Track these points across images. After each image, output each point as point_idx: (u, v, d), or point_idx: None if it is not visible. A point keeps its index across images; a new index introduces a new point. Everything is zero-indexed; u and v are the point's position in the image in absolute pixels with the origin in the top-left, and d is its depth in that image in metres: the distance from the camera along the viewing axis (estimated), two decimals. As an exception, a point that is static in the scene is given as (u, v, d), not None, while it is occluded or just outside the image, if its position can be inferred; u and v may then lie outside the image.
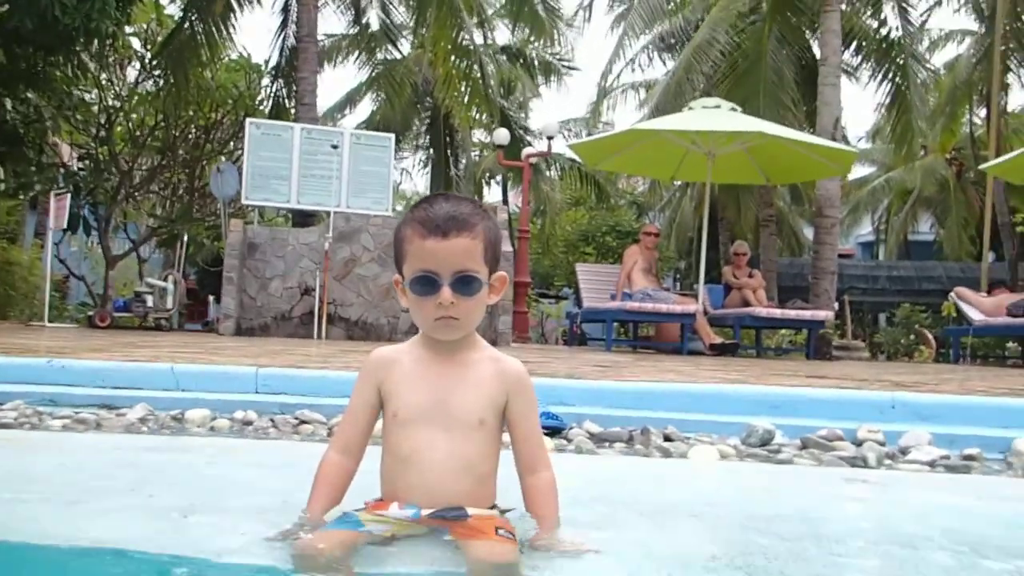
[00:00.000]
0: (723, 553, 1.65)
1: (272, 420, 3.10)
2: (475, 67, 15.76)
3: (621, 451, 2.94)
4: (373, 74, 20.93)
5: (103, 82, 15.48)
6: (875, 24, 14.60)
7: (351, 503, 1.61)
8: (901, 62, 14.13)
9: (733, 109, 10.51)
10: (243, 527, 1.64)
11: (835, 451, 2.86)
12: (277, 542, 1.49)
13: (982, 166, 13.30)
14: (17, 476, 2.12)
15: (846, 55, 14.67)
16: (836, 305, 12.12)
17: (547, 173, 23.80)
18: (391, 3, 18.75)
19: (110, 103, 15.56)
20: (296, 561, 1.39)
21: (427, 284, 1.56)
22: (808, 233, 22.35)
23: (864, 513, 2.18)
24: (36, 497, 1.87)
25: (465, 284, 1.56)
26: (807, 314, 10.22)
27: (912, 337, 14.03)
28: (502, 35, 24.32)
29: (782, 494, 2.38)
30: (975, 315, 10.65)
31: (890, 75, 14.30)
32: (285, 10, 16.28)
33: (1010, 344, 12.64)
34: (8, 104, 13.46)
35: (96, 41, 12.04)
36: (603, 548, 1.64)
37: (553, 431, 3.07)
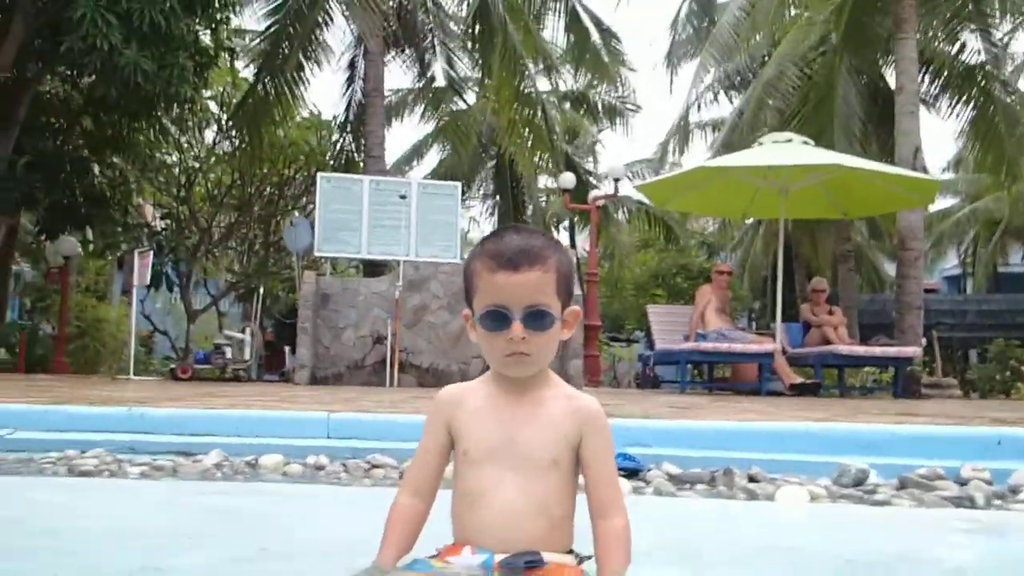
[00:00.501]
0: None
1: (344, 465, 3.07)
2: (538, 113, 15.90)
3: (703, 493, 2.80)
4: (439, 125, 21.31)
5: (183, 144, 16.14)
6: (953, 50, 14.17)
7: (424, 548, 1.54)
8: (985, 87, 13.64)
9: (805, 142, 10.27)
10: (314, 572, 1.60)
11: (937, 491, 2.66)
12: None
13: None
14: (91, 524, 2.12)
15: (924, 84, 14.26)
16: (924, 341, 11.61)
17: (615, 216, 23.71)
18: (455, 56, 19.14)
19: (190, 164, 16.20)
20: None
21: (497, 319, 1.50)
22: (889, 268, 21.64)
23: (973, 557, 2.01)
24: (113, 545, 1.86)
25: (537, 319, 1.50)
26: (893, 350, 9.82)
27: (1008, 373, 13.32)
28: (565, 81, 24.56)
29: (881, 537, 2.22)
30: (1074, 349, 10.07)
31: (973, 102, 13.81)
32: (352, 66, 16.76)
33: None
34: (96, 169, 14.18)
35: (176, 105, 12.59)
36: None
37: (630, 473, 2.95)
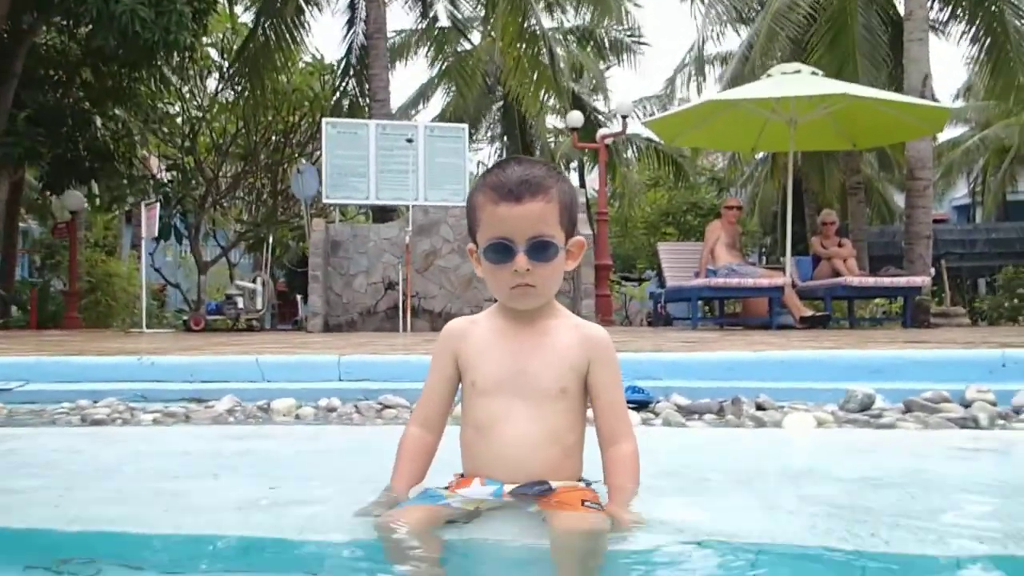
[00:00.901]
0: (827, 515, 1.55)
1: (356, 406, 3.11)
2: (543, 51, 15.65)
3: (711, 422, 2.84)
4: (443, 67, 21.02)
5: (185, 94, 16.01)
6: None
7: (435, 480, 1.57)
8: (995, 10, 13.31)
9: (814, 73, 10.09)
10: (327, 506, 1.63)
11: (942, 413, 2.69)
12: (360, 518, 1.46)
13: (1087, 115, 12.49)
14: (107, 468, 2.17)
15: (933, 10, 13.89)
16: (932, 271, 11.56)
17: (624, 154, 23.50)
18: (458, -5, 18.77)
19: (193, 114, 16.08)
20: (380, 535, 1.37)
21: (501, 252, 1.50)
22: (899, 200, 21.45)
23: (978, 474, 2.04)
24: (124, 486, 1.90)
25: (541, 250, 1.50)
26: (902, 280, 9.78)
27: (1016, 301, 13.28)
28: (569, 17, 24.14)
29: (887, 457, 2.25)
30: (1084, 273, 10.02)
31: (984, 26, 13.48)
32: (352, 8, 16.45)
33: None
34: (98, 121, 14.09)
35: (175, 53, 12.44)
36: (697, 514, 1.57)
37: (640, 405, 2.99)
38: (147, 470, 2.09)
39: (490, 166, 1.61)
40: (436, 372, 1.63)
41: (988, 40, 13.41)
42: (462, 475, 1.57)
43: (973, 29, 13.64)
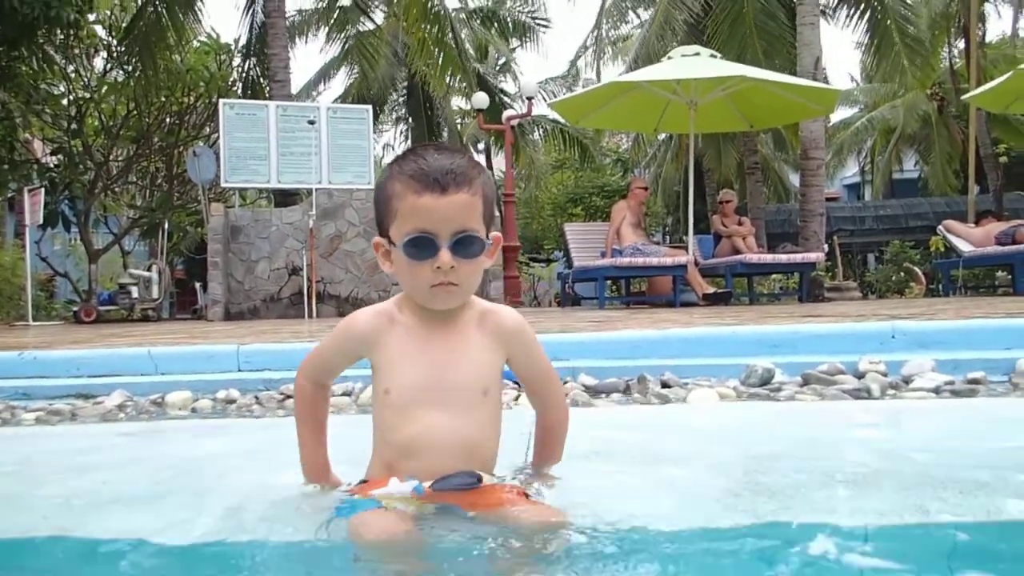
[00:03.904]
0: (728, 494, 1.57)
1: (256, 397, 3.01)
2: (448, 32, 15.51)
3: (618, 401, 2.86)
4: (346, 47, 20.60)
5: (70, 74, 15.17)
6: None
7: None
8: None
9: (713, 55, 10.32)
10: (221, 508, 1.55)
11: (837, 385, 2.78)
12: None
13: (964, 96, 13.18)
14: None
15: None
16: (825, 247, 12.04)
17: (531, 136, 23.57)
18: (359, -27, 18.37)
19: (79, 95, 15.25)
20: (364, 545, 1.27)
21: (423, 246, 1.39)
22: (794, 180, 22.26)
23: (871, 444, 2.11)
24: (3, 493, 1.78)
25: (466, 246, 1.40)
26: (798, 257, 10.14)
27: (902, 274, 13.97)
28: (475, -1, 24.02)
29: (786, 431, 2.31)
30: (964, 246, 10.61)
31: (871, 11, 14.05)
32: (251, -15, 15.93)
33: (999, 273, 12.60)
34: (-27, 102, 13.21)
35: (59, 30, 11.75)
36: (602, 496, 1.57)
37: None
38: (28, 473, 1.96)
39: (402, 152, 1.52)
40: (338, 357, 1.56)
41: (875, 23, 13.99)
42: (363, 481, 1.48)
43: (860, 13, 14.20)
